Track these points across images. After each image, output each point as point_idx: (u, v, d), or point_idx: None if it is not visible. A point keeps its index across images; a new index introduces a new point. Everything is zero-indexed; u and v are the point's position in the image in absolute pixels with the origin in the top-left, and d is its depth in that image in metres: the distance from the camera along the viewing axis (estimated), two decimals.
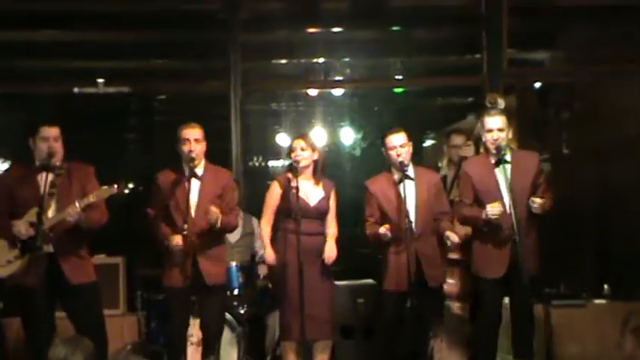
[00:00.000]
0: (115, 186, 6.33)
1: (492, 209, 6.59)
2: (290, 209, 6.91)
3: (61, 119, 6.65)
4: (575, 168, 10.19)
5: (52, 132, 6.49)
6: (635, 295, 8.26)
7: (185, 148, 6.73)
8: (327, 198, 7.01)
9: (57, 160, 6.47)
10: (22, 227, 6.27)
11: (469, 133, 8.10)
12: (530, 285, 6.52)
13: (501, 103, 7.94)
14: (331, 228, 7.05)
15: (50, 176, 6.44)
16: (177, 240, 6.60)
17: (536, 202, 6.60)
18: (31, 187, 6.41)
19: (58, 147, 6.50)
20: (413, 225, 6.75)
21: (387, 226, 6.81)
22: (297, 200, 6.77)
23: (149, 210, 6.85)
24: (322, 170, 7.09)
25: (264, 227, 7.10)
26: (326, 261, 6.89)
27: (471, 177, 6.90)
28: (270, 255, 7.00)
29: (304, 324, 6.62)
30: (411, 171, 6.94)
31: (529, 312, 6.88)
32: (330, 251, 6.92)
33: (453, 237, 6.80)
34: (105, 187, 6.35)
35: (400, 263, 6.81)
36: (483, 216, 6.65)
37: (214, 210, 6.62)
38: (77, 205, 6.23)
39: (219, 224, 6.68)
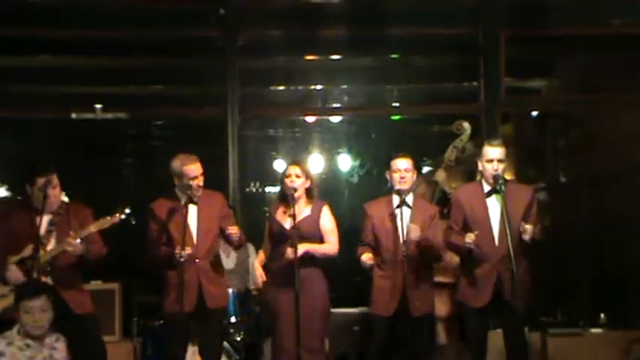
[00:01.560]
0: (117, 216, 6.31)
1: (468, 237, 6.58)
2: (276, 236, 6.93)
3: (59, 144, 6.63)
4: (571, 196, 10.21)
5: (54, 180, 6.45)
6: (632, 324, 8.27)
7: (194, 184, 6.67)
8: (312, 217, 6.93)
9: (56, 204, 6.46)
10: (13, 275, 6.26)
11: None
12: (524, 315, 6.51)
13: (467, 128, 8.02)
14: (327, 243, 6.97)
15: (49, 216, 6.43)
16: (180, 251, 6.49)
17: (527, 228, 6.58)
18: (29, 224, 6.35)
19: (57, 193, 6.45)
20: (403, 251, 6.74)
21: (371, 256, 6.81)
22: (295, 227, 6.75)
23: (150, 244, 6.80)
24: (315, 195, 7.06)
25: (260, 254, 7.12)
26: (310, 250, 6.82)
27: (463, 205, 6.89)
28: (257, 278, 7.02)
29: (300, 353, 6.59)
30: (410, 199, 6.94)
31: (522, 342, 6.85)
32: (320, 247, 6.88)
33: (414, 230, 6.77)
34: (107, 217, 6.32)
35: (388, 288, 6.81)
36: (465, 244, 6.64)
37: (234, 230, 6.66)
38: (74, 234, 6.21)
39: (233, 237, 6.71)
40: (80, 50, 9.38)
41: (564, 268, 9.43)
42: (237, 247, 7.09)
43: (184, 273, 6.50)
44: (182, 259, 6.45)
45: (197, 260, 6.61)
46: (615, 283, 9.34)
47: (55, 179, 6.45)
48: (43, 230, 6.34)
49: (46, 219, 6.39)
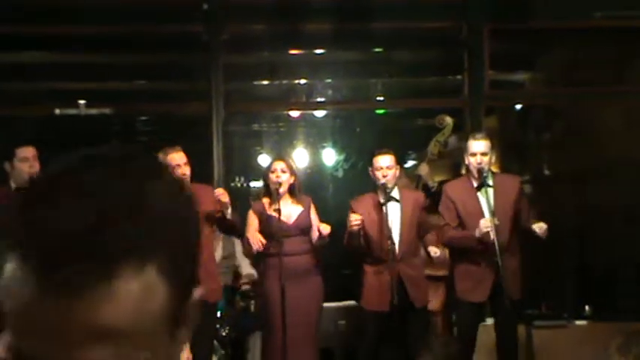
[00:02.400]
0: None
1: (485, 223, 6.55)
2: (268, 233, 6.91)
3: (43, 140, 6.62)
4: (555, 189, 10.24)
5: (31, 152, 6.47)
6: (616, 316, 8.29)
7: (177, 173, 6.68)
8: (306, 212, 7.02)
9: None
10: None
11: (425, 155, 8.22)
12: (514, 308, 6.53)
13: (449, 122, 8.05)
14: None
15: None
16: None
17: (542, 227, 6.60)
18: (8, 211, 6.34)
19: (38, 167, 6.47)
20: (396, 247, 6.75)
21: (358, 217, 6.80)
22: (279, 222, 6.77)
23: None
24: (299, 191, 7.09)
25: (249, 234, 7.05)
26: (322, 232, 6.85)
27: (454, 201, 6.91)
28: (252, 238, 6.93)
29: (286, 347, 6.60)
30: (395, 193, 6.96)
31: (513, 335, 6.89)
32: (324, 227, 6.90)
33: (433, 250, 6.80)
34: None
35: (381, 283, 6.83)
36: (477, 234, 6.61)
37: (222, 192, 6.67)
38: None
39: (229, 212, 6.68)
40: (63, 46, 9.36)
41: (549, 261, 9.45)
42: (231, 227, 7.00)
43: None
44: None
45: None
46: (600, 276, 9.39)
47: (35, 152, 6.48)
48: None
49: None
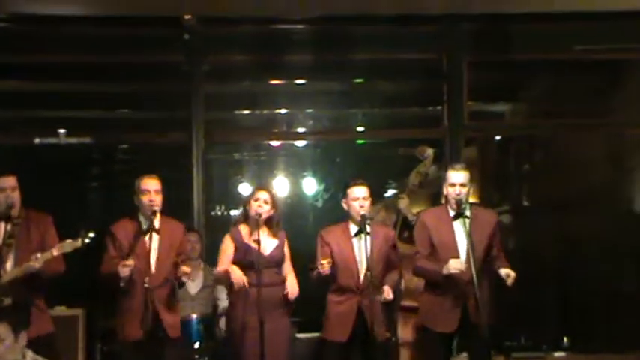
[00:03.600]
0: (79, 240, 6.28)
1: (455, 264, 6.56)
2: (245, 262, 6.88)
3: (22, 169, 6.60)
4: (534, 220, 10.26)
5: (9, 182, 6.45)
6: (594, 348, 8.31)
7: (145, 199, 6.70)
8: (281, 246, 6.99)
9: (15, 211, 6.43)
10: None
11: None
12: (489, 338, 6.52)
13: (430, 154, 8.09)
14: (290, 273, 7.03)
15: (8, 226, 6.39)
16: (126, 263, 6.48)
17: (510, 275, 6.60)
18: None
19: (16, 197, 6.45)
20: (361, 279, 6.76)
21: (329, 259, 6.79)
22: (258, 252, 6.76)
23: (106, 260, 6.77)
24: (277, 225, 7.06)
25: (221, 268, 6.96)
26: (289, 296, 6.84)
27: (429, 228, 6.91)
28: (239, 278, 6.83)
29: None
30: (367, 225, 6.94)
31: None
32: (292, 286, 6.91)
33: (387, 293, 6.77)
34: (69, 240, 6.28)
35: (343, 313, 6.82)
36: (445, 271, 6.59)
37: (186, 270, 6.60)
38: (39, 258, 6.17)
39: (183, 279, 6.68)
40: (44, 75, 9.37)
41: (528, 292, 9.46)
42: (180, 284, 7.00)
43: (138, 300, 6.53)
44: (146, 286, 6.47)
45: (149, 287, 6.57)
46: (579, 307, 9.40)
47: (15, 181, 6.46)
48: (0, 242, 6.30)
49: (3, 229, 6.36)
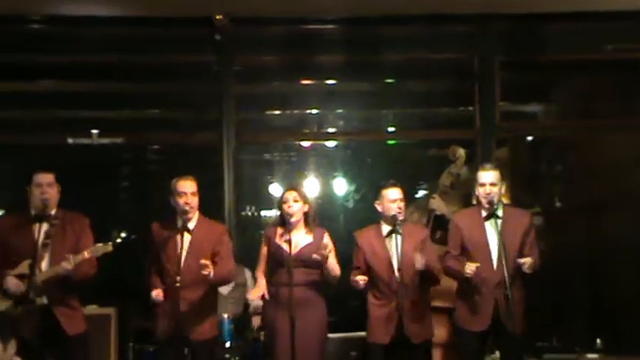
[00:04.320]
0: (110, 244, 6.30)
1: (468, 267, 6.60)
2: (276, 262, 6.91)
3: (55, 169, 6.63)
4: (567, 221, 10.20)
5: (46, 178, 6.47)
6: (627, 350, 8.25)
7: (181, 201, 6.71)
8: (315, 244, 6.91)
9: (51, 208, 6.45)
10: (10, 283, 6.24)
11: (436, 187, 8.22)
12: (522, 340, 6.49)
13: (462, 154, 8.06)
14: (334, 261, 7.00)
15: (45, 226, 6.42)
16: (157, 293, 6.64)
17: (526, 262, 6.59)
18: (25, 237, 6.36)
19: (52, 193, 6.47)
20: (397, 278, 6.72)
21: (364, 277, 6.79)
22: (289, 252, 6.75)
23: (147, 263, 6.83)
24: (314, 221, 7.07)
25: (259, 275, 7.07)
26: (322, 252, 6.76)
27: (461, 229, 6.91)
28: (256, 292, 6.97)
29: None
30: (399, 225, 6.93)
31: None
32: (333, 264, 6.90)
33: (418, 257, 6.73)
34: (100, 244, 6.31)
35: (384, 315, 6.81)
36: (466, 274, 6.65)
37: (205, 263, 6.56)
38: (71, 260, 6.20)
39: (211, 276, 6.63)
40: (77, 76, 9.41)
41: (560, 293, 9.42)
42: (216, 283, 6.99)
43: (171, 300, 6.54)
44: (177, 285, 6.48)
45: (181, 290, 6.59)
46: (611, 309, 9.34)
47: (52, 178, 6.50)
48: (39, 242, 6.33)
49: (42, 229, 6.39)
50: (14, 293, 6.22)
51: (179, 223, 6.73)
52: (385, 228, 6.98)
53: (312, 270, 6.93)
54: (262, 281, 7.00)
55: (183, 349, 6.79)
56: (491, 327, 6.69)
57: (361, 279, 6.78)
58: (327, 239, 6.98)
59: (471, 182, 7.31)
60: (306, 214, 6.99)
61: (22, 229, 6.42)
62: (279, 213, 7.12)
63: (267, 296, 6.89)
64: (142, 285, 6.84)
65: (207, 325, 6.81)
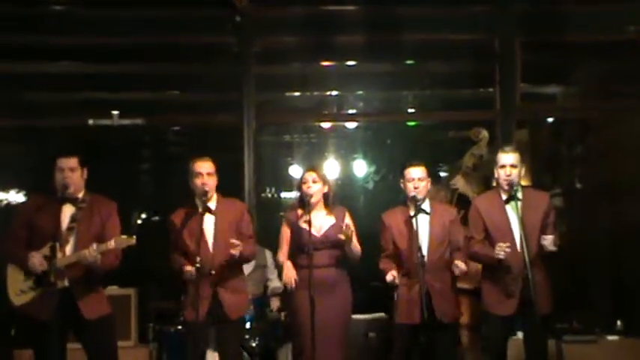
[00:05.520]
0: (134, 237, 6.28)
1: (499, 249, 6.57)
2: (299, 244, 6.94)
3: (75, 151, 6.64)
4: (587, 203, 10.18)
5: (68, 163, 6.45)
6: None
7: (198, 182, 6.72)
8: (338, 225, 6.93)
9: (75, 192, 6.46)
10: (36, 260, 6.23)
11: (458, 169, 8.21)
12: (543, 322, 6.48)
13: (485, 136, 8.04)
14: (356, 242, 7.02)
15: (71, 209, 6.44)
16: (188, 268, 6.58)
17: (547, 238, 6.58)
18: (51, 218, 6.33)
19: (75, 178, 6.43)
20: (425, 259, 6.71)
21: (395, 274, 6.82)
22: (309, 234, 6.77)
23: (173, 255, 6.82)
24: (333, 202, 7.08)
25: (282, 259, 7.09)
26: (344, 230, 6.78)
27: (482, 213, 6.89)
28: (289, 278, 6.97)
29: (316, 358, 6.57)
30: (426, 205, 6.94)
31: (543, 349, 6.80)
32: (355, 243, 6.92)
33: (461, 265, 6.75)
34: (124, 236, 6.28)
35: (412, 296, 6.79)
36: (498, 256, 6.59)
37: (235, 242, 6.57)
38: (95, 248, 6.20)
39: (237, 255, 6.64)
40: (97, 57, 9.43)
41: (580, 275, 9.41)
42: (242, 261, 6.96)
43: (199, 283, 6.53)
44: (198, 266, 6.49)
45: (212, 272, 6.61)
46: (632, 290, 9.31)
47: (75, 162, 6.47)
48: (64, 225, 6.36)
49: (68, 212, 6.41)
50: (36, 272, 6.25)
51: (199, 206, 6.73)
52: (412, 209, 6.96)
53: (337, 250, 6.95)
54: (289, 264, 7.02)
55: (208, 331, 6.83)
56: (518, 310, 6.68)
57: (393, 277, 6.80)
58: (348, 219, 6.99)
59: (490, 164, 7.30)
60: (325, 195, 7.01)
61: (48, 210, 6.40)
62: (298, 194, 7.15)
63: (297, 282, 6.91)
64: (163, 269, 6.85)
65: (242, 301, 6.87)
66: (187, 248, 6.71)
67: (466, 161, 8.29)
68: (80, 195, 6.49)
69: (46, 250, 6.25)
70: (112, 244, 6.21)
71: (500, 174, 6.80)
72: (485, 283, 6.89)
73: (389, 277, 6.82)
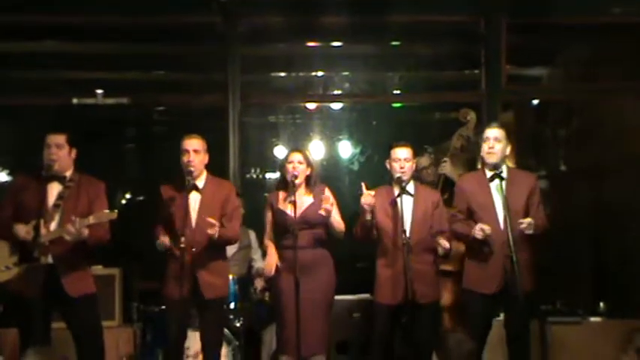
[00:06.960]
0: (115, 211, 6.28)
1: (478, 229, 6.62)
2: (281, 225, 6.93)
3: (60, 130, 6.62)
4: (571, 185, 10.20)
5: (55, 139, 6.46)
6: (631, 313, 8.28)
7: (184, 159, 6.72)
8: (316, 203, 6.92)
9: (61, 170, 6.45)
10: (21, 229, 6.23)
11: (446, 150, 8.20)
12: (526, 302, 6.50)
13: (473, 117, 8.05)
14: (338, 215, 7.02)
15: (58, 187, 6.43)
16: (163, 239, 6.62)
17: (524, 222, 6.58)
18: (36, 196, 6.34)
19: (61, 155, 6.45)
20: (405, 240, 6.69)
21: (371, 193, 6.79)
22: (295, 214, 6.77)
23: (156, 225, 6.81)
24: (315, 183, 7.07)
25: (267, 242, 7.09)
26: (325, 207, 6.78)
27: (466, 191, 6.91)
28: (269, 265, 6.98)
29: (300, 339, 6.59)
30: (411, 187, 6.96)
31: (525, 329, 6.84)
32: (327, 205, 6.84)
33: (443, 242, 6.76)
34: (106, 210, 6.30)
35: (393, 277, 6.81)
36: (472, 234, 6.67)
37: (212, 222, 6.57)
38: (76, 223, 6.19)
39: (216, 236, 6.63)
40: (81, 36, 9.38)
41: (564, 257, 9.43)
42: (222, 242, 6.92)
43: (182, 261, 6.52)
44: (182, 245, 6.48)
45: (193, 249, 6.60)
46: (615, 272, 9.36)
47: (62, 139, 6.48)
48: (50, 202, 6.35)
49: (55, 190, 6.40)
50: (21, 238, 6.22)
51: (187, 183, 6.71)
52: (396, 189, 6.97)
53: (318, 230, 6.95)
54: (272, 250, 7.02)
55: (190, 310, 6.83)
56: (501, 289, 6.69)
57: (369, 193, 6.77)
58: (327, 192, 6.98)
59: (476, 146, 7.31)
60: (308, 177, 7.01)
61: (35, 188, 6.40)
62: (280, 175, 7.14)
63: (280, 266, 6.92)
64: (148, 249, 6.84)
65: (220, 283, 6.84)
66: (172, 224, 6.70)
67: (454, 142, 8.28)
68: (68, 174, 6.49)
69: (31, 227, 6.24)
70: (92, 219, 6.21)
71: (484, 147, 6.82)
72: (469, 261, 6.91)
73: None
